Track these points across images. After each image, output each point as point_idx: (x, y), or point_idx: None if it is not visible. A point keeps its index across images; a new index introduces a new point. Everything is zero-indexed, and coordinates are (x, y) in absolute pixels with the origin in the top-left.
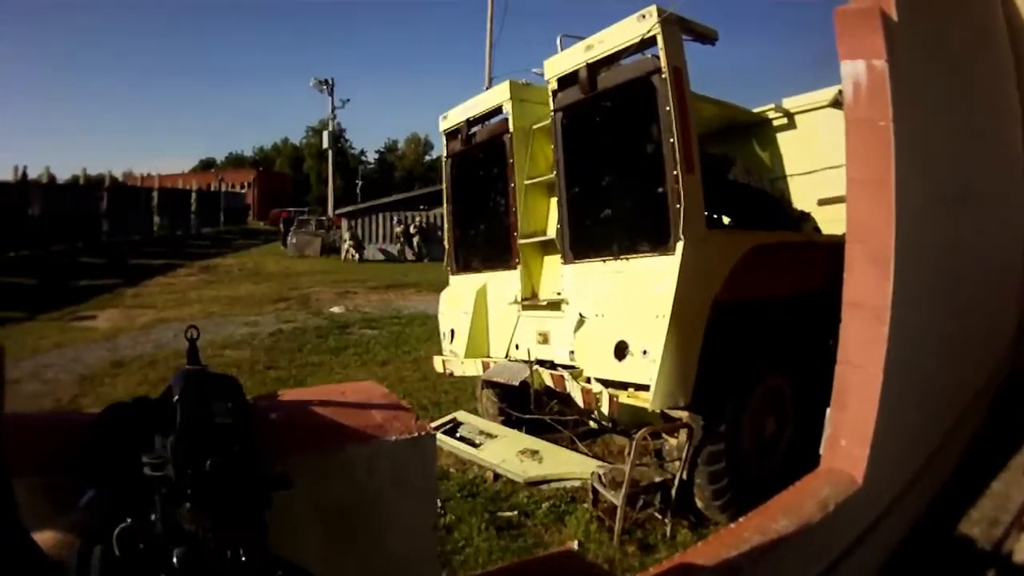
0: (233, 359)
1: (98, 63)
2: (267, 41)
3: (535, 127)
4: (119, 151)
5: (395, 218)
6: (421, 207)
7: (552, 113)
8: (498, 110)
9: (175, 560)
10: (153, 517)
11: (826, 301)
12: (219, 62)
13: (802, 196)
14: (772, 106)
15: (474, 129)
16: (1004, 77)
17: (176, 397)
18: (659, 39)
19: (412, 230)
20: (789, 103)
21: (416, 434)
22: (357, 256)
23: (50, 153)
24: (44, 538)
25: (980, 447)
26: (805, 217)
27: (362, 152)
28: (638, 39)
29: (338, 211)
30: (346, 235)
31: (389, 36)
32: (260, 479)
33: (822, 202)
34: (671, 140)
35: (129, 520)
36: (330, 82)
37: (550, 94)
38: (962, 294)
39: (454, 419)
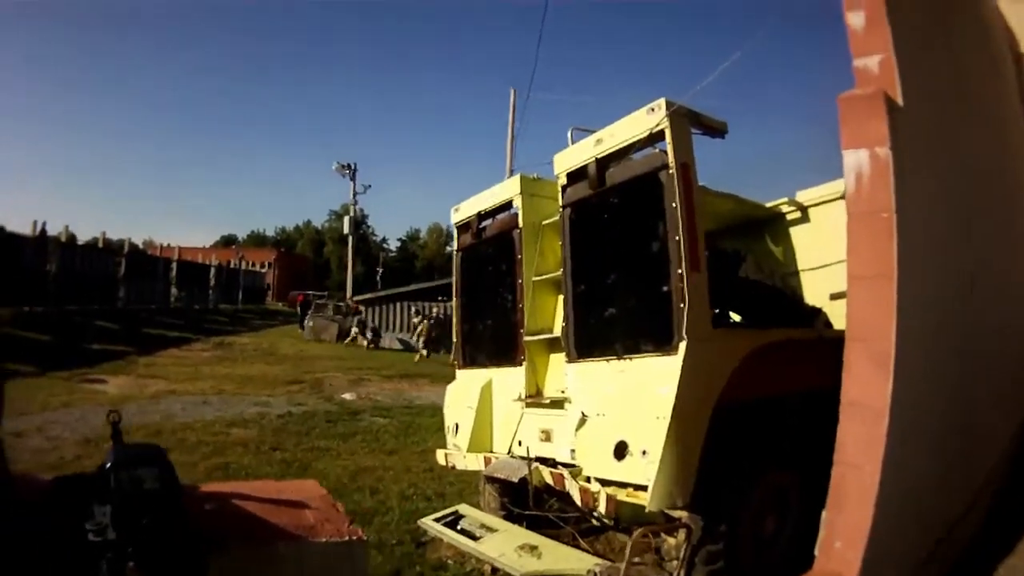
0: (239, 438)
1: (123, 129)
2: (293, 122)
3: (545, 223)
4: (140, 219)
5: (413, 308)
6: (440, 298)
7: (560, 209)
8: (508, 204)
9: None
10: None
11: (835, 397)
12: (245, 139)
13: (814, 290)
14: (785, 199)
15: (485, 223)
16: (1012, 152)
17: (108, 466)
18: (667, 133)
19: (427, 323)
20: (803, 196)
21: (347, 538)
22: (367, 343)
23: (70, 214)
24: None
25: (977, 549)
26: (816, 312)
27: (384, 239)
28: (647, 133)
29: (357, 297)
30: (354, 320)
31: (415, 126)
32: (194, 538)
33: (834, 296)
34: (677, 237)
35: None
36: (352, 167)
37: (559, 189)
38: (965, 389)
39: (456, 511)
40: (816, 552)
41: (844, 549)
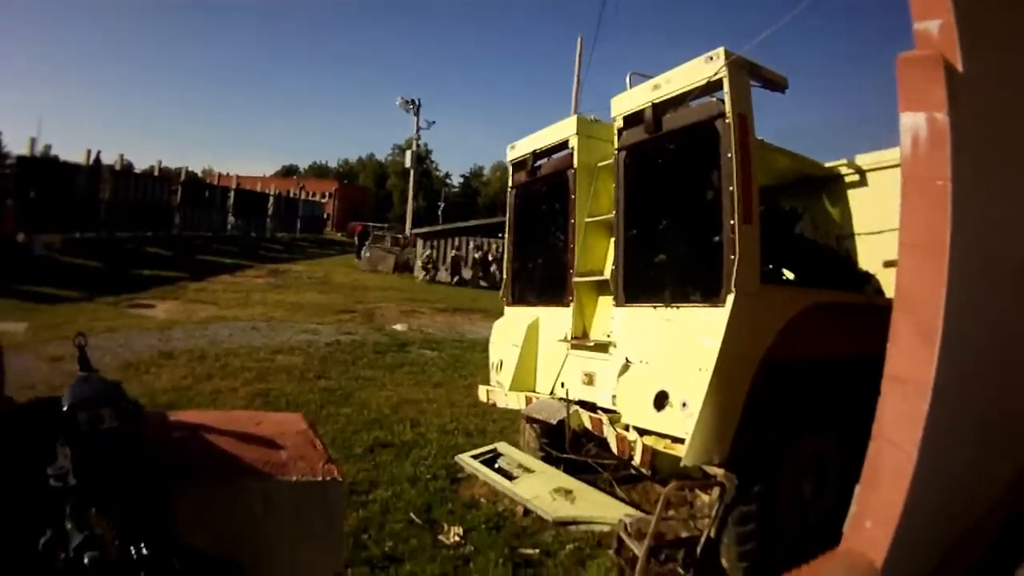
0: (285, 364)
1: (188, 62)
2: (361, 57)
3: (600, 164)
4: (199, 149)
5: (471, 243)
6: (500, 235)
7: (616, 151)
8: (564, 144)
9: (86, 563)
10: (68, 525)
11: (879, 367)
12: (311, 72)
13: (868, 256)
14: (844, 161)
15: (540, 162)
16: None
17: (66, 406)
18: (725, 82)
19: (490, 257)
20: (862, 160)
21: (320, 478)
22: (439, 278)
23: (128, 144)
24: None
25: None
26: (868, 278)
27: (447, 175)
28: (704, 81)
29: (415, 230)
30: (422, 253)
31: (482, 65)
32: (156, 474)
33: (887, 264)
34: (730, 188)
35: (49, 531)
36: (416, 102)
37: (615, 132)
38: (1011, 374)
39: (495, 449)
40: (845, 529)
41: (874, 529)
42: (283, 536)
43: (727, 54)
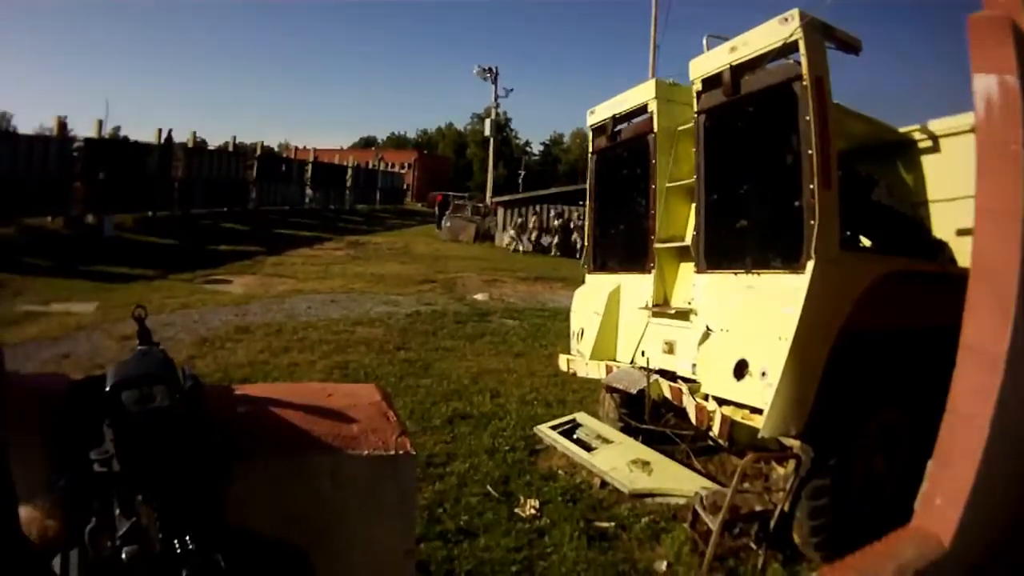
0: (364, 336)
1: (260, 37)
2: (437, 26)
3: (680, 129)
4: (276, 125)
5: (552, 211)
6: (580, 203)
7: (695, 115)
8: (644, 109)
9: (124, 558)
10: (116, 512)
11: (956, 339)
12: (387, 42)
13: (941, 224)
14: (918, 127)
15: (620, 127)
16: None
17: (110, 385)
18: (801, 44)
19: (571, 225)
20: (935, 125)
21: (393, 452)
22: (520, 246)
23: (202, 122)
24: (24, 516)
25: None
26: (942, 246)
27: (527, 143)
28: (780, 43)
29: (495, 199)
30: (505, 221)
31: (559, 32)
32: (213, 454)
33: (961, 232)
34: (809, 152)
35: (95, 519)
36: (494, 70)
37: (694, 95)
38: None
39: (574, 420)
40: (916, 506)
41: (944, 507)
42: (353, 513)
43: (801, 15)
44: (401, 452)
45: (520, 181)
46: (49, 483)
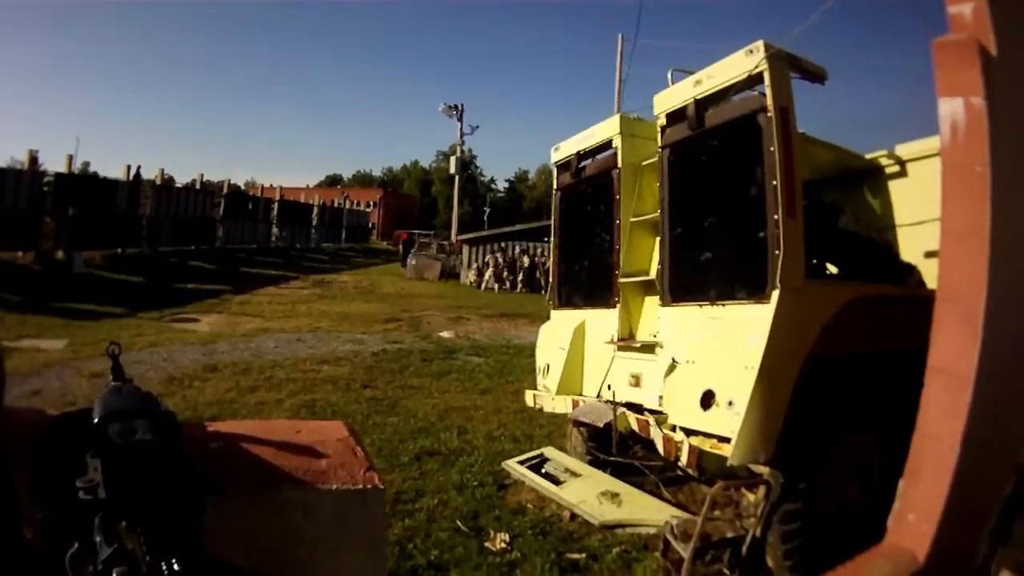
0: (331, 374)
1: (227, 75)
2: (402, 64)
3: (644, 163)
4: (242, 162)
5: (517, 247)
6: (545, 239)
7: (660, 149)
8: (608, 144)
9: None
10: (97, 538)
11: (923, 360)
12: (352, 80)
13: (910, 247)
14: (884, 152)
15: (584, 163)
16: None
17: (97, 418)
18: (766, 76)
19: (536, 261)
20: (902, 150)
21: (361, 486)
22: (485, 284)
23: (169, 159)
24: None
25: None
26: (910, 270)
27: (492, 180)
28: (745, 75)
29: (461, 237)
30: (469, 259)
31: (524, 68)
32: (191, 487)
33: (930, 254)
34: (774, 182)
35: (76, 544)
36: (459, 108)
37: (658, 130)
38: None
39: (541, 454)
40: (888, 524)
41: (918, 522)
42: (324, 546)
43: (767, 47)
44: (370, 486)
45: (485, 218)
46: (29, 516)
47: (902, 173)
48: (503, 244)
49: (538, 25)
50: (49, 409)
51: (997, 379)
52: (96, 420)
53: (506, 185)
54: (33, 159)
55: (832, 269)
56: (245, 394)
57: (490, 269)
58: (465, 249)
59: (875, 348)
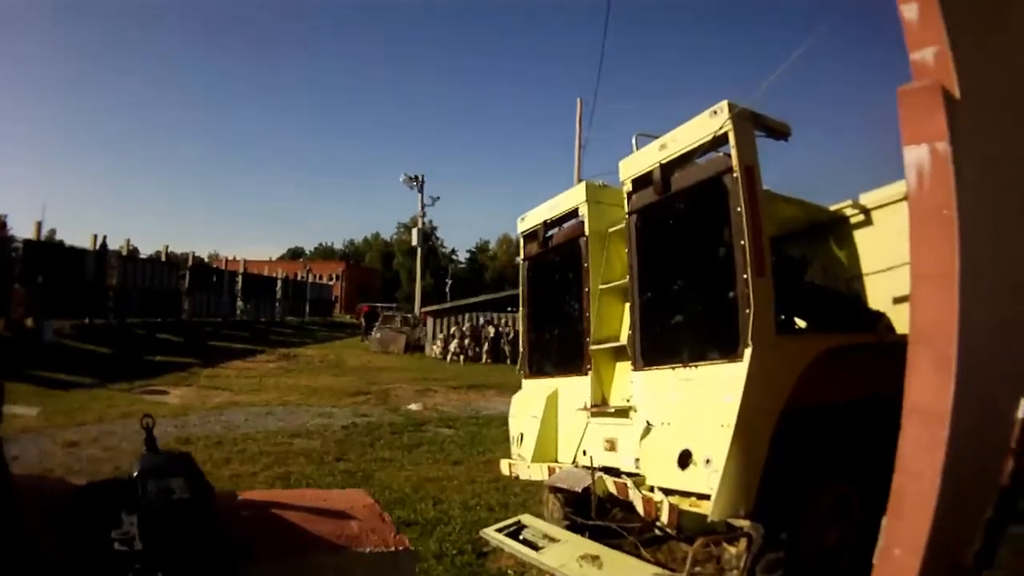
0: (303, 447)
1: (189, 146)
2: (360, 136)
3: (611, 230)
4: (206, 234)
5: (481, 318)
6: (509, 309)
7: (627, 216)
8: (575, 212)
9: None
10: None
11: (898, 405)
12: (313, 153)
13: (878, 294)
14: (849, 202)
15: (551, 232)
16: None
17: (135, 474)
18: (731, 136)
19: (501, 332)
20: (866, 198)
21: (393, 548)
22: (451, 356)
23: (133, 229)
24: None
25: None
26: (879, 317)
27: (453, 251)
28: (710, 137)
29: (425, 309)
30: (434, 332)
31: (483, 137)
32: (223, 549)
33: (897, 300)
34: (742, 242)
35: None
36: (420, 179)
37: (625, 196)
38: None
39: (518, 521)
40: (875, 560)
41: (903, 556)
42: None
43: (731, 107)
44: (400, 548)
45: (447, 290)
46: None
47: (867, 222)
48: (467, 315)
49: (496, 93)
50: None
51: (973, 414)
52: (135, 475)
53: (467, 256)
54: (2, 224)
55: (801, 323)
56: (220, 467)
57: (455, 341)
58: (430, 321)
59: (849, 396)
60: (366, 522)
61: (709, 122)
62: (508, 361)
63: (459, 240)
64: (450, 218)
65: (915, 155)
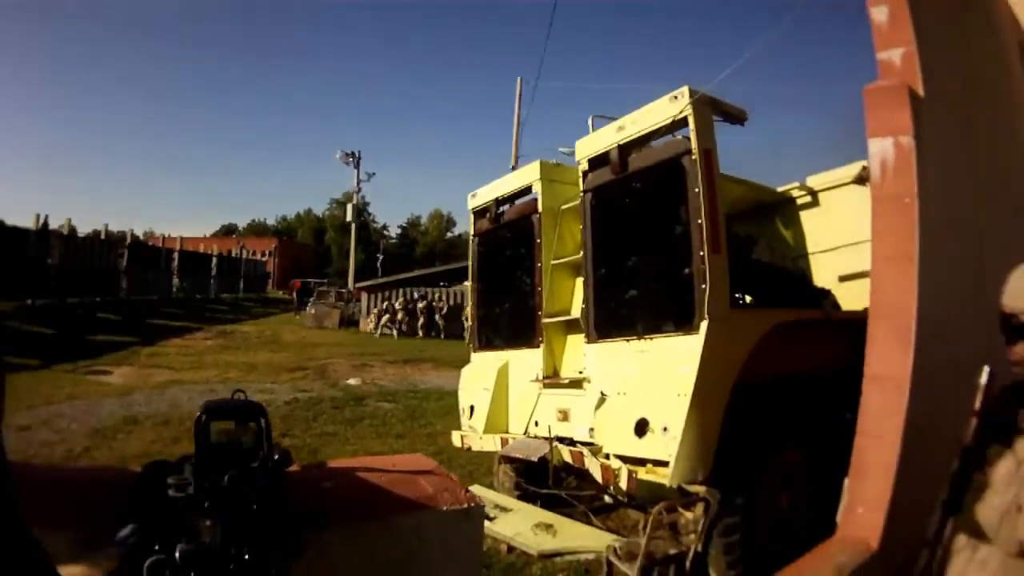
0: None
1: (122, 120)
2: (294, 111)
3: (563, 208)
4: (141, 211)
5: (415, 293)
6: (442, 283)
7: (582, 194)
8: (527, 190)
9: (177, 556)
10: (179, 546)
11: (844, 377)
12: (246, 129)
13: (823, 273)
14: (796, 184)
15: (503, 208)
16: (1021, 142)
17: (202, 413)
18: (690, 120)
19: (435, 307)
20: (813, 181)
21: (466, 505)
22: (385, 331)
23: (72, 206)
24: (73, 572)
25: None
26: (825, 294)
27: (384, 226)
28: (669, 120)
29: (359, 284)
30: (369, 307)
31: (416, 113)
32: (289, 508)
33: (843, 278)
34: (699, 221)
35: (158, 550)
36: (356, 155)
37: (580, 175)
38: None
39: None
40: (838, 518)
41: (867, 514)
42: (434, 563)
43: (691, 92)
44: (471, 504)
45: (379, 265)
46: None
47: (814, 203)
48: (401, 290)
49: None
50: None
51: (930, 381)
52: (201, 414)
53: (399, 231)
54: None
55: (748, 299)
56: (169, 445)
57: (388, 316)
58: (364, 296)
59: (798, 369)
60: (437, 483)
61: (669, 106)
62: (443, 336)
63: (390, 215)
64: (382, 193)
65: (879, 147)
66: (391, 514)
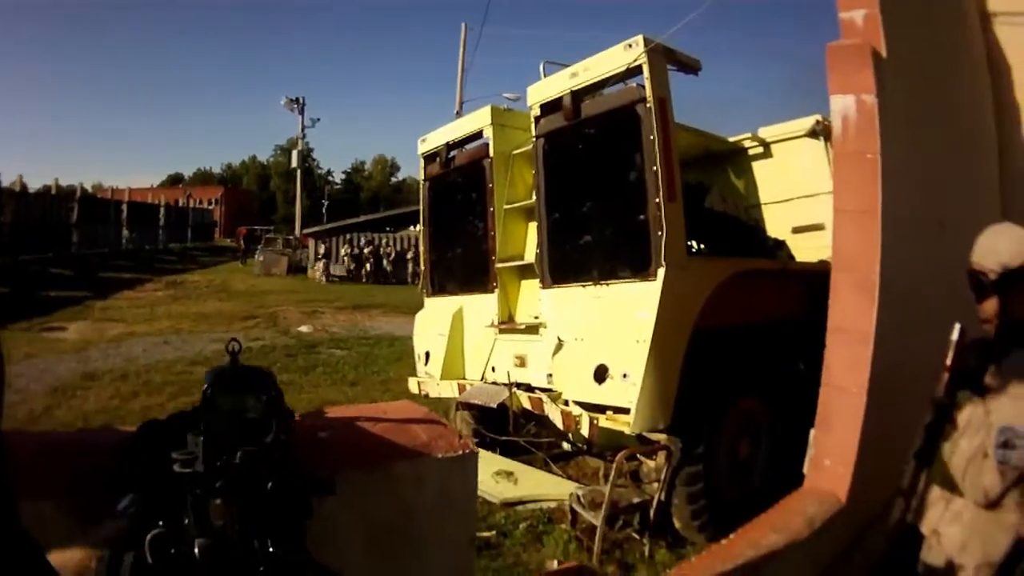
0: (203, 376)
1: (68, 74)
2: (238, 57)
3: (515, 152)
4: (89, 163)
5: (363, 239)
6: (388, 228)
7: (534, 139)
8: (478, 135)
9: (196, 552)
10: (186, 520)
11: (799, 326)
12: (190, 76)
13: (777, 224)
14: (748, 135)
15: (453, 153)
16: (981, 105)
17: (206, 389)
18: (645, 68)
19: (381, 252)
20: (766, 132)
21: (460, 452)
22: (333, 277)
23: (19, 162)
24: (73, 554)
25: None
26: (780, 245)
27: (328, 172)
28: (624, 68)
29: (306, 231)
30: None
31: (359, 57)
32: (300, 480)
33: (796, 230)
34: (654, 168)
35: (162, 524)
36: (301, 101)
37: (532, 120)
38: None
39: None
40: (805, 470)
41: (834, 466)
42: (429, 511)
43: (646, 41)
44: (466, 451)
45: (324, 211)
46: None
47: (766, 154)
48: (348, 236)
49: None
50: None
51: (894, 334)
52: (206, 388)
53: (343, 177)
54: None
55: (700, 247)
56: (129, 400)
57: (338, 262)
58: (311, 243)
59: (755, 318)
60: (431, 430)
61: (623, 54)
62: (393, 281)
63: (334, 161)
64: (325, 138)
65: (841, 104)
66: (387, 463)
